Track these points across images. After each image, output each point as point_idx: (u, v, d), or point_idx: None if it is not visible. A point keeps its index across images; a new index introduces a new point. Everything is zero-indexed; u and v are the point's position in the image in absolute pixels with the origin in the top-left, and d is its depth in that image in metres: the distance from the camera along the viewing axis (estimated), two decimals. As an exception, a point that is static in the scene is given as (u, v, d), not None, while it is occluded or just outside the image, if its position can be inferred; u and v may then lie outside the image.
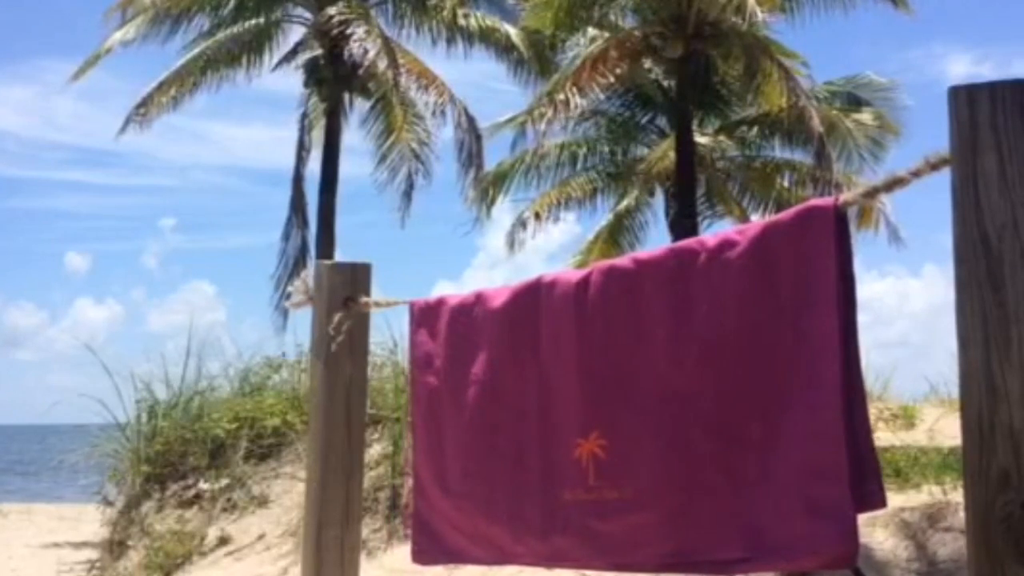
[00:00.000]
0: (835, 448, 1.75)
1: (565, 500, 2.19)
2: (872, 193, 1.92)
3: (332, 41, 17.82)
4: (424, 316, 2.61)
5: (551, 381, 2.25)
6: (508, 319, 2.37)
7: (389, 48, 17.43)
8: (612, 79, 16.40)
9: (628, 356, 2.10)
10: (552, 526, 2.22)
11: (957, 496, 4.84)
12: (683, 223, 16.54)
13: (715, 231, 2.13)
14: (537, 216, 19.22)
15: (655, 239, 19.54)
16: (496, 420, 2.37)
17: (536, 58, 18.63)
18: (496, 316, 2.40)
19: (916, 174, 1.74)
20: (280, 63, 19.33)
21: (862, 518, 1.79)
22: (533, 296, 2.32)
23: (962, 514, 1.69)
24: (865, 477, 1.77)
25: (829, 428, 1.77)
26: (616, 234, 20.04)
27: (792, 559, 1.84)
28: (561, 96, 15.49)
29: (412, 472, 2.67)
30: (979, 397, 1.59)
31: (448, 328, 2.52)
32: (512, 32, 18.89)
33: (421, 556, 2.61)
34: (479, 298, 2.47)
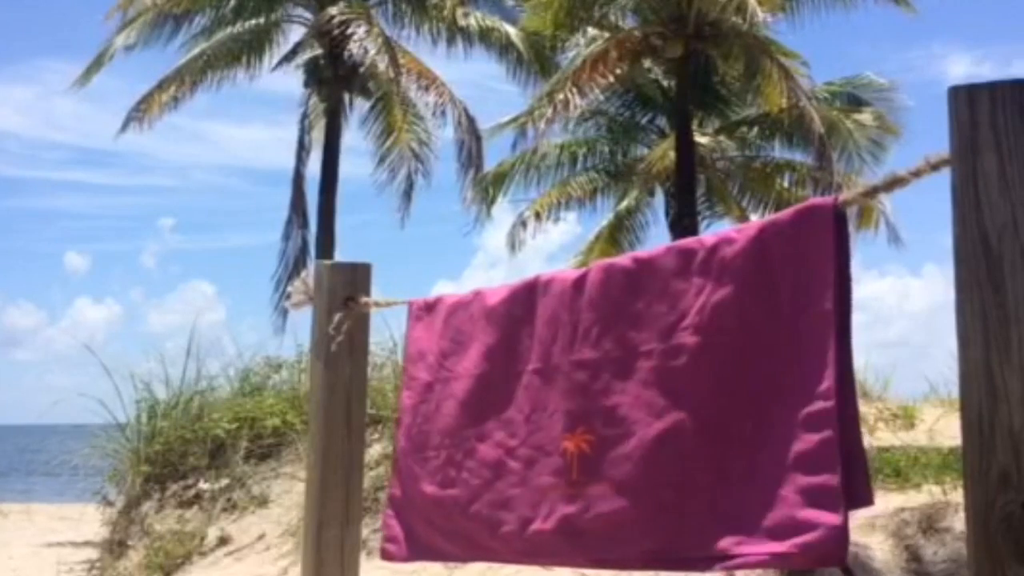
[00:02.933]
0: (828, 447, 1.76)
1: (548, 495, 2.18)
2: (872, 192, 1.92)
3: (332, 41, 17.84)
4: (422, 313, 2.62)
5: (542, 376, 2.25)
6: (503, 315, 2.37)
7: (389, 48, 17.45)
8: (612, 79, 16.42)
9: (621, 352, 2.10)
10: (534, 521, 2.21)
11: (957, 496, 4.84)
12: (683, 223, 16.56)
13: (715, 231, 2.13)
14: (537, 216, 19.25)
15: (655, 239, 19.59)
16: (484, 414, 2.36)
17: (536, 58, 18.66)
18: (492, 312, 2.40)
19: (916, 174, 1.74)
20: (280, 63, 19.37)
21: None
22: (530, 293, 2.33)
23: (962, 514, 1.69)
24: (854, 476, 1.77)
25: (823, 426, 1.77)
26: (616, 234, 20.06)
27: (782, 557, 1.84)
28: (561, 96, 15.52)
29: (393, 467, 2.65)
30: (979, 397, 1.58)
31: (444, 324, 2.53)
32: (512, 32, 18.92)
33: (391, 552, 2.56)
34: (477, 296, 2.48)
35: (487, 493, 2.32)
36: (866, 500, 1.80)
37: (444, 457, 2.44)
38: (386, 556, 2.59)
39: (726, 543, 1.89)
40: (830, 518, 1.74)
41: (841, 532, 1.73)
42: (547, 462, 2.19)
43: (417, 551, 2.54)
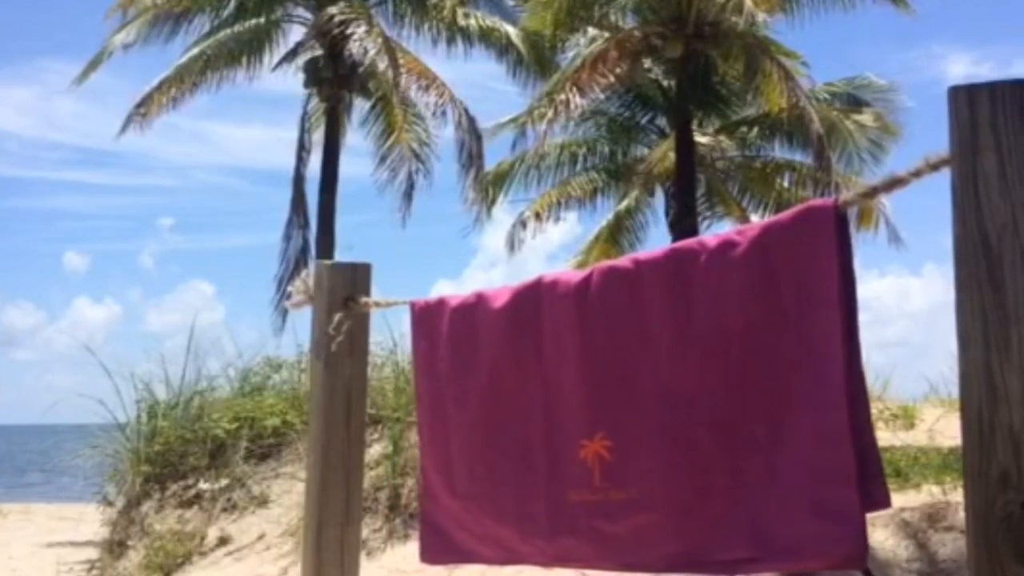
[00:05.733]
0: (841, 448, 1.75)
1: (571, 501, 2.19)
2: (872, 193, 1.92)
3: (332, 41, 17.81)
4: (425, 318, 2.60)
5: (554, 382, 2.25)
6: (510, 321, 2.37)
7: (389, 48, 17.41)
8: (612, 79, 16.40)
9: (630, 357, 2.10)
10: (559, 527, 2.22)
11: (957, 496, 4.84)
12: (683, 223, 16.55)
13: (715, 231, 2.14)
14: (537, 216, 19.23)
15: (655, 239, 19.59)
16: (501, 422, 2.37)
17: (536, 58, 18.63)
18: (498, 318, 2.39)
19: (916, 174, 1.74)
20: (280, 63, 19.33)
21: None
22: (534, 297, 2.32)
23: (962, 514, 1.69)
24: (869, 476, 1.76)
25: (834, 428, 1.76)
26: (616, 234, 20.05)
27: (800, 559, 1.83)
28: (561, 96, 15.50)
29: (420, 473, 2.67)
30: (979, 397, 1.58)
31: (449, 330, 2.52)
32: (512, 32, 18.89)
33: (429, 555, 2.60)
34: (480, 299, 2.46)
35: (513, 500, 2.33)
36: (883, 502, 1.80)
37: (466, 469, 2.46)
38: (424, 559, 2.61)
39: (747, 547, 1.89)
40: (848, 522, 1.74)
41: (860, 536, 1.73)
42: (569, 468, 2.20)
43: (454, 554, 2.57)
